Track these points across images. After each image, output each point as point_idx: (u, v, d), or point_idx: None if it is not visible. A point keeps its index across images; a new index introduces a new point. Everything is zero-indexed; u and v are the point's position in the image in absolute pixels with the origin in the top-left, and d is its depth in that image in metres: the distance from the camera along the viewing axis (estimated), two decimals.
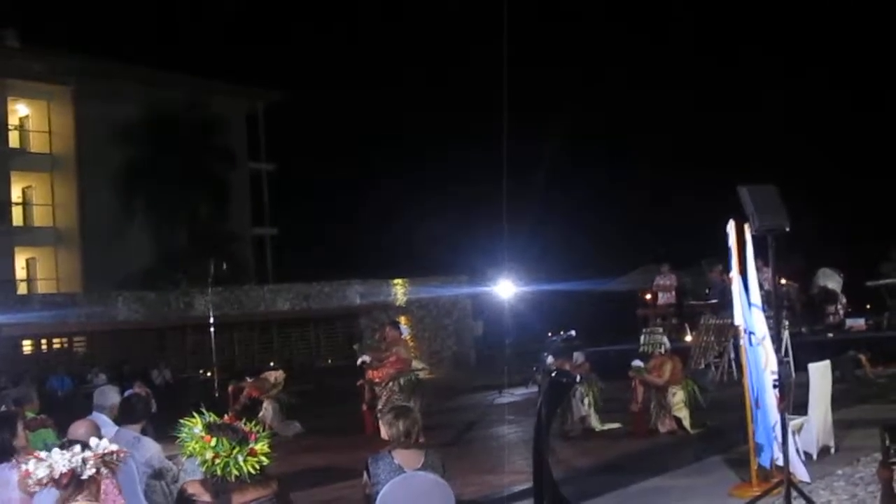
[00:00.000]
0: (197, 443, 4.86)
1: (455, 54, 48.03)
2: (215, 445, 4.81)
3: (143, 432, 7.40)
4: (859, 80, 39.67)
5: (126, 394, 16.34)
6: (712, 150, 37.25)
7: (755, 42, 42.57)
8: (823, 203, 30.99)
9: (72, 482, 4.18)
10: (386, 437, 5.92)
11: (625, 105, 40.59)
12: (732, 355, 16.78)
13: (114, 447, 4.37)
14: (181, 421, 4.99)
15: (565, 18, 48.37)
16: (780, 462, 7.97)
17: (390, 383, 13.51)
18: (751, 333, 8.54)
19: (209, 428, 4.89)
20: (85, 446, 4.29)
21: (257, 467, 4.83)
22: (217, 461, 4.80)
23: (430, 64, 48.40)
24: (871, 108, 36.25)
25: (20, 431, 6.12)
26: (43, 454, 4.24)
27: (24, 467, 4.27)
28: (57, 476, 4.16)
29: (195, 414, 5.01)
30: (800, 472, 8.51)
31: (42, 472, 4.16)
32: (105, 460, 4.30)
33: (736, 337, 12.99)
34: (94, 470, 4.24)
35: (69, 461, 4.18)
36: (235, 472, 4.76)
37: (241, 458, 4.79)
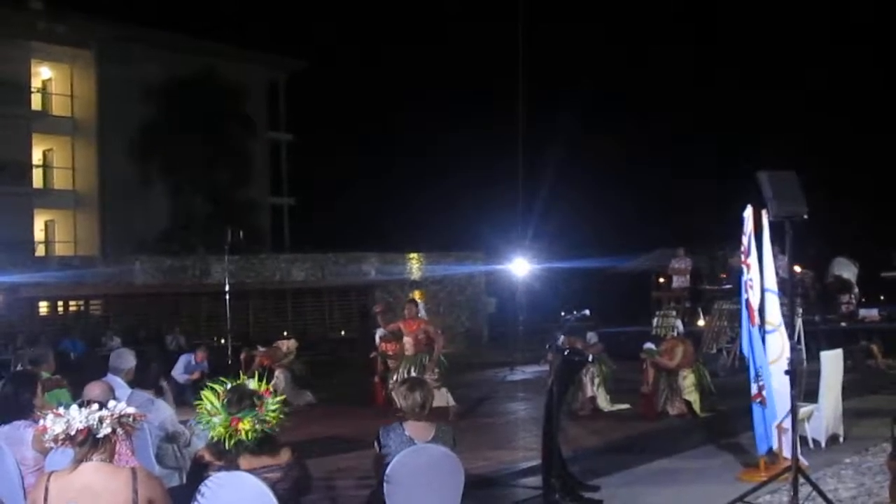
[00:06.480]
0: (210, 412, 4.96)
1: (473, 27, 47.74)
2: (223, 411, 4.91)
3: (159, 395, 7.48)
4: (887, 66, 39.27)
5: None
6: (734, 133, 37.03)
7: (784, 21, 42.05)
8: (843, 192, 30.78)
9: (87, 440, 4.20)
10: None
11: (648, 81, 40.37)
12: None
13: (131, 410, 4.41)
14: (202, 391, 5.08)
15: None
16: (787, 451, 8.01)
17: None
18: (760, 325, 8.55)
19: (229, 391, 4.99)
20: (102, 406, 4.32)
21: (258, 430, 4.89)
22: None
23: (447, 41, 48.14)
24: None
25: (38, 391, 6.20)
26: (61, 410, 4.28)
27: (41, 423, 4.30)
28: (73, 432, 4.18)
29: (210, 385, 5.10)
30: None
31: (59, 428, 4.19)
32: (121, 421, 4.33)
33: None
34: (109, 429, 4.25)
35: (86, 418, 4.21)
36: (242, 435, 4.84)
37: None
